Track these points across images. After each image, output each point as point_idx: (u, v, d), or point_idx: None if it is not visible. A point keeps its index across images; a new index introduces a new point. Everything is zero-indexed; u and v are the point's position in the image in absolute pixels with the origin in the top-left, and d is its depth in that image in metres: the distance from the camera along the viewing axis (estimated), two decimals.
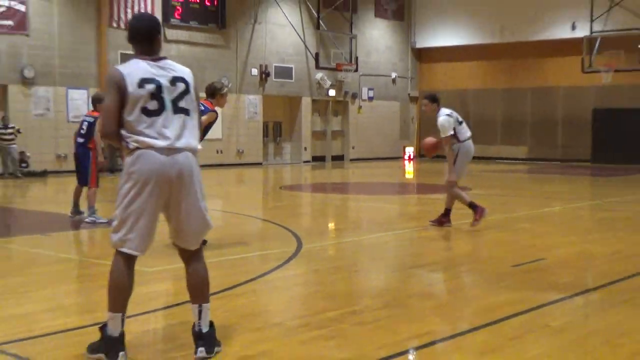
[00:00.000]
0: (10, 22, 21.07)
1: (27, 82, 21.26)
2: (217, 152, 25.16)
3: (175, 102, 4.62)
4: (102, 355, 4.56)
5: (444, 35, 32.50)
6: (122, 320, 4.60)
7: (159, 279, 7.21)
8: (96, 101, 11.64)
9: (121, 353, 4.53)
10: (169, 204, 4.63)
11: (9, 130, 19.84)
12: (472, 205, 10.48)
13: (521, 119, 31.27)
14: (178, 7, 24.58)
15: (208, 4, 25.55)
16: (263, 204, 15.95)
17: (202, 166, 4.99)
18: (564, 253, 8.94)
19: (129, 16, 23.30)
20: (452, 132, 10.29)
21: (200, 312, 4.73)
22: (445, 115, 10.32)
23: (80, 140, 11.57)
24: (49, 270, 8.10)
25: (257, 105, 27.44)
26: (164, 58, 4.73)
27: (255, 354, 4.80)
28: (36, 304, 6.32)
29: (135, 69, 4.58)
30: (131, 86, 4.50)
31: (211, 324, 4.78)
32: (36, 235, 10.44)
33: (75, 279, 7.63)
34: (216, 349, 4.75)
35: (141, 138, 4.51)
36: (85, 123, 11.52)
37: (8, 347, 4.94)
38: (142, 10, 23.57)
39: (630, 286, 7.01)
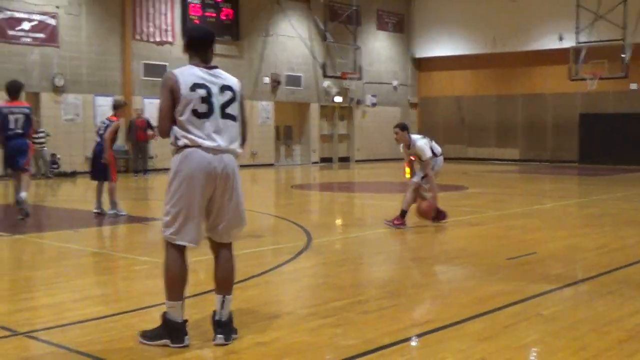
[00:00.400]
0: (42, 35, 21.10)
1: (57, 90, 21.29)
2: None
3: (223, 107, 4.67)
4: (167, 341, 4.57)
5: (440, 46, 32.45)
6: (182, 308, 4.64)
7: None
8: (115, 107, 11.75)
9: (186, 337, 4.58)
10: (212, 199, 4.67)
11: (41, 134, 19.86)
12: (403, 213, 10.24)
13: (513, 123, 31.19)
14: (196, 21, 24.55)
15: (224, 18, 25.56)
16: (275, 202, 15.94)
17: None
18: (554, 247, 8.89)
19: (151, 29, 23.34)
20: (431, 153, 10.27)
21: (223, 303, 4.75)
22: (420, 139, 10.36)
23: (98, 140, 11.73)
24: (78, 263, 8.10)
25: (269, 111, 27.46)
26: (216, 67, 4.77)
27: (269, 341, 4.78)
28: (66, 294, 6.31)
29: (189, 74, 4.63)
30: (184, 89, 4.56)
31: (230, 314, 4.78)
32: (66, 231, 10.44)
33: (102, 271, 7.61)
34: (233, 336, 4.74)
35: (190, 136, 4.56)
36: (105, 125, 11.66)
37: (40, 334, 4.94)
38: (164, 24, 23.61)
39: (616, 278, 6.96)
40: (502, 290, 6.31)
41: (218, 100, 4.65)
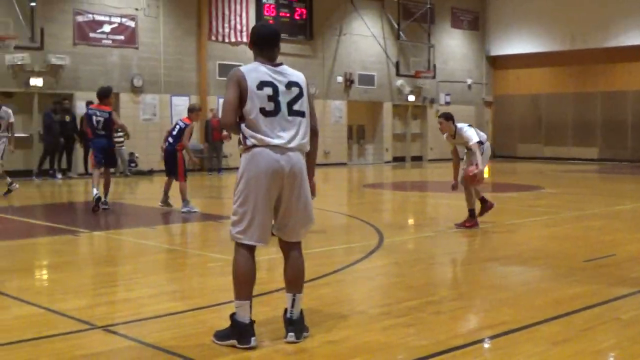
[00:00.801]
0: (121, 37, 21.68)
1: (136, 90, 21.83)
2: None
3: (290, 104, 4.66)
4: (234, 341, 4.57)
5: (516, 44, 31.86)
6: (250, 308, 4.63)
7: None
8: (190, 110, 12.21)
9: (252, 338, 4.55)
10: (280, 198, 4.67)
11: (120, 134, 20.36)
12: (472, 213, 10.15)
13: (591, 122, 30.36)
14: (270, 21, 24.79)
15: (297, 18, 25.74)
16: (347, 201, 15.94)
17: None
18: (634, 249, 8.62)
19: (226, 30, 23.67)
20: (477, 138, 9.98)
21: (293, 301, 4.75)
22: (466, 126, 10.11)
23: (170, 140, 12.12)
24: (154, 259, 8.28)
25: (342, 110, 27.48)
26: (281, 64, 4.76)
27: (339, 339, 4.78)
28: (143, 290, 6.46)
29: (256, 72, 4.63)
30: (251, 86, 4.56)
31: (301, 312, 4.79)
32: (143, 228, 10.69)
33: (178, 267, 7.76)
34: (304, 334, 4.76)
35: (258, 136, 4.56)
36: (178, 127, 12.12)
37: (118, 328, 5.06)
38: (239, 25, 23.92)
39: None
40: (578, 293, 6.15)
41: (285, 97, 4.65)
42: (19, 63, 19.64)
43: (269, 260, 7.32)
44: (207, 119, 21.97)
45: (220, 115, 4.75)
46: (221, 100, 24.54)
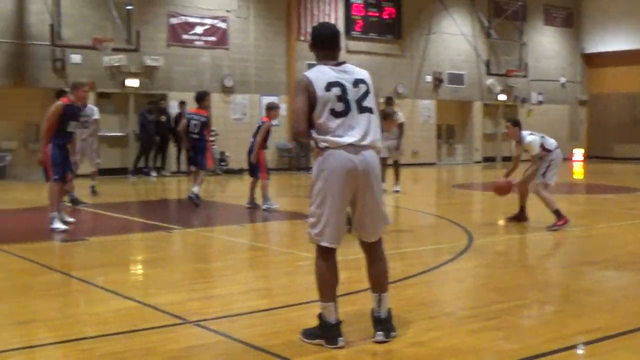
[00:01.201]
0: (213, 38, 22.12)
1: (227, 91, 22.23)
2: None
3: (359, 102, 4.64)
4: (321, 341, 4.60)
5: (613, 40, 30.77)
6: (335, 309, 4.62)
7: (340, 268, 7.27)
8: (268, 109, 12.40)
9: (340, 339, 4.56)
10: (355, 198, 4.65)
11: (211, 133, 20.79)
12: (557, 212, 9.93)
13: None
14: (359, 21, 24.83)
15: (386, 17, 25.66)
16: (436, 201, 15.78)
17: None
18: None
19: None
20: (539, 149, 9.96)
21: (380, 301, 4.74)
22: (529, 136, 10.07)
23: (252, 139, 12.31)
24: (244, 257, 8.41)
25: (431, 110, 27.24)
26: (344, 62, 4.74)
27: (427, 340, 4.74)
28: (233, 287, 6.58)
29: (322, 74, 4.62)
30: (319, 90, 4.54)
31: (389, 311, 4.77)
32: (233, 226, 10.88)
33: (267, 265, 7.85)
34: (392, 334, 4.74)
35: (330, 138, 4.54)
36: (257, 126, 12.29)
37: (208, 323, 5.16)
38: None
39: None
40: None
41: (353, 95, 4.62)
42: (116, 64, 20.33)
43: (356, 260, 7.32)
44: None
45: (292, 124, 4.71)
46: None
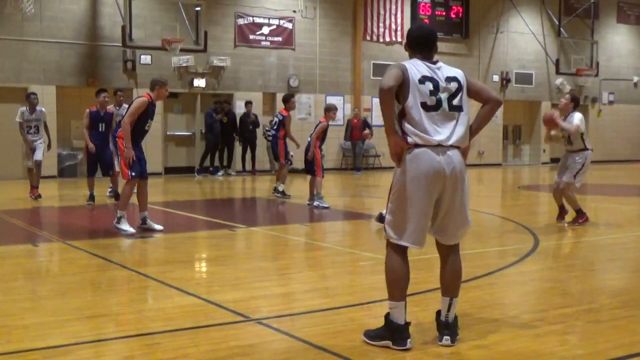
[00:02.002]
0: (279, 39, 22.29)
1: (292, 90, 22.35)
2: None
3: (450, 100, 4.59)
4: (388, 342, 4.53)
5: None
6: (404, 309, 4.57)
7: None
8: (326, 110, 12.78)
9: (408, 340, 4.50)
10: (439, 200, 4.59)
11: (268, 134, 20.89)
12: (579, 211, 10.17)
13: None
14: (426, 20, 24.65)
15: (453, 16, 25.42)
16: (502, 202, 15.55)
17: None
18: None
19: (381, 30, 23.76)
20: (583, 131, 9.98)
21: (450, 305, 4.67)
22: (582, 116, 10.07)
23: (309, 139, 12.73)
24: (306, 256, 8.44)
25: (498, 110, 26.80)
26: (438, 61, 4.70)
27: (490, 344, 4.67)
28: (295, 285, 6.61)
29: (417, 66, 4.57)
30: (413, 79, 4.49)
31: (456, 316, 4.72)
32: (296, 225, 10.93)
33: (329, 264, 7.85)
34: (457, 337, 4.69)
35: (420, 133, 4.47)
36: (315, 126, 12.49)
37: (270, 321, 5.19)
38: (394, 24, 23.94)
39: None
40: None
41: (445, 92, 4.57)
42: (184, 65, 20.68)
43: (422, 260, 7.27)
44: (349, 118, 22.14)
45: (385, 122, 4.54)
46: (375, 100, 24.79)
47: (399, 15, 24.15)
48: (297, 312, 5.50)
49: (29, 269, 7.60)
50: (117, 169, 11.89)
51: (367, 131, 21.34)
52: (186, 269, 7.57)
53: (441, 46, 26.78)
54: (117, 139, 9.58)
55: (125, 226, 9.35)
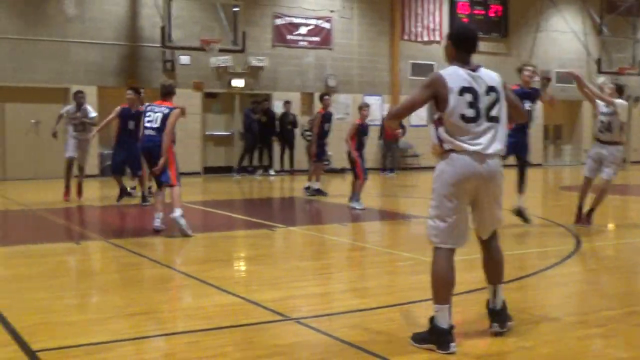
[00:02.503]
0: (317, 39, 22.32)
1: (330, 90, 22.31)
2: None
3: (488, 110, 4.60)
4: (432, 346, 4.49)
5: None
6: (449, 312, 4.54)
7: None
8: (358, 108, 12.86)
9: (452, 344, 4.45)
10: (475, 202, 4.67)
11: (307, 133, 20.93)
12: (592, 211, 10.07)
13: None
14: (464, 19, 24.47)
15: (492, 15, 25.20)
16: (543, 203, 15.35)
17: None
18: None
19: (419, 29, 23.66)
20: (625, 120, 9.83)
21: (495, 292, 4.82)
22: (626, 104, 9.92)
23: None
24: (345, 255, 8.44)
25: (538, 109, 26.51)
26: (479, 67, 4.69)
27: (532, 346, 4.62)
28: (334, 285, 6.61)
29: (457, 78, 4.56)
30: (452, 93, 4.50)
31: (503, 302, 4.82)
32: (335, 225, 10.93)
33: (368, 264, 7.83)
34: (508, 324, 4.80)
35: (456, 142, 4.52)
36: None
37: (309, 321, 5.20)
38: (432, 24, 23.82)
39: None
40: None
41: (484, 103, 4.56)
42: (223, 65, 20.83)
43: (462, 262, 7.21)
44: (382, 117, 22.05)
45: (396, 107, 4.71)
46: None
47: (437, 14, 24.02)
48: (336, 312, 5.50)
49: (72, 266, 7.73)
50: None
51: (399, 130, 21.30)
52: (225, 267, 7.63)
53: (480, 45, 26.50)
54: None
55: (183, 221, 9.27)
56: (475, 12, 24.82)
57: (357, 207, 12.08)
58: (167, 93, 9.58)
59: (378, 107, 22.48)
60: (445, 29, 24.10)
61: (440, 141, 4.58)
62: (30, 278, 6.74)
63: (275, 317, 5.31)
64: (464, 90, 4.52)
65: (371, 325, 5.09)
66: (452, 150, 4.54)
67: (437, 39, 23.89)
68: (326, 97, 14.85)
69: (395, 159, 22.50)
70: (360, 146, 12.43)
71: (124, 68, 19.79)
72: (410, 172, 22.75)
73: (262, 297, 5.85)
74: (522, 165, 10.43)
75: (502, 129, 4.66)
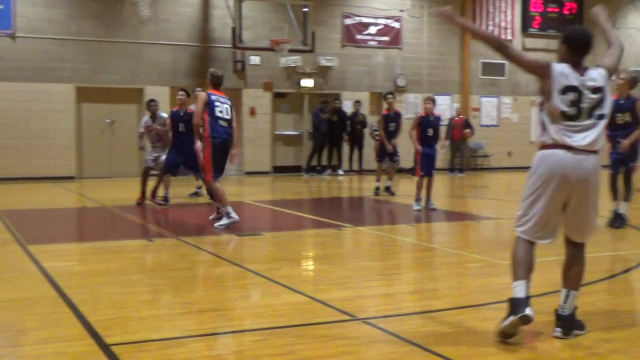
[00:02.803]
0: (386, 38, 22.25)
1: (399, 90, 22.26)
2: None
3: (591, 110, 4.65)
4: (511, 317, 4.58)
5: None
6: (526, 287, 4.66)
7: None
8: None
9: (527, 308, 4.55)
10: (568, 201, 4.69)
11: (376, 133, 20.84)
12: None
13: None
14: (537, 17, 24.04)
15: (566, 12, 24.65)
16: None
17: None
18: None
19: (490, 28, 23.33)
20: None
21: (567, 297, 4.80)
22: None
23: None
24: (413, 256, 8.40)
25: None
26: (587, 69, 4.74)
27: (605, 352, 4.51)
28: (402, 286, 6.59)
29: (564, 75, 4.66)
30: (556, 86, 4.63)
31: (573, 310, 4.79)
32: (403, 225, 10.89)
33: (436, 266, 7.77)
34: (575, 332, 4.75)
35: (554, 135, 4.63)
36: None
37: (377, 321, 5.20)
38: (503, 22, 23.46)
39: None
40: None
41: (588, 103, 4.63)
42: (292, 65, 20.97)
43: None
44: (451, 117, 21.80)
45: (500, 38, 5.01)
46: (483, 99, 24.35)
47: (509, 12, 23.64)
48: (403, 313, 5.49)
49: (145, 263, 7.91)
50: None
51: (467, 130, 21.04)
52: (294, 266, 7.69)
53: (553, 44, 26.00)
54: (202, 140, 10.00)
55: (225, 220, 9.77)
56: (549, 9, 24.33)
57: (415, 207, 11.88)
58: (221, 83, 9.82)
59: (448, 107, 22.26)
60: (517, 27, 23.72)
61: (542, 129, 4.70)
62: (105, 274, 6.93)
63: (343, 316, 5.32)
64: (568, 89, 4.61)
65: (439, 327, 5.06)
66: (547, 146, 4.66)
67: (509, 37, 23.52)
68: (389, 96, 14.70)
69: (464, 159, 22.24)
70: (424, 140, 11.98)
71: (195, 69, 20.13)
72: (481, 172, 22.46)
73: (330, 297, 5.88)
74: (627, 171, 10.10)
75: (603, 125, 4.70)
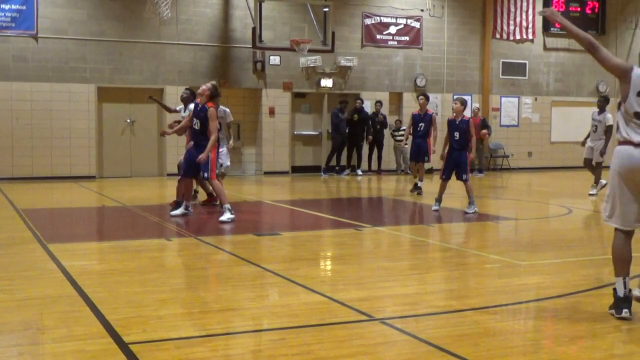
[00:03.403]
0: (406, 38, 22.20)
1: (419, 90, 22.18)
2: None
3: None
4: (612, 311, 5.18)
5: None
6: (625, 283, 5.15)
7: (531, 272, 7.07)
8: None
9: (625, 310, 5.08)
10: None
11: (401, 132, 20.85)
12: None
13: None
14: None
15: (589, 12, 24.47)
16: None
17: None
18: None
19: (511, 28, 23.22)
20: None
21: (624, 283, 5.19)
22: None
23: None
24: (432, 256, 8.38)
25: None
26: None
27: (624, 354, 4.48)
28: (419, 286, 6.57)
29: None
30: (632, 90, 5.13)
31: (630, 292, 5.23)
32: (421, 225, 10.86)
33: (454, 266, 7.74)
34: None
35: (625, 134, 5.19)
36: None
37: (394, 321, 5.20)
38: (525, 22, 23.33)
39: None
40: None
41: None
42: (312, 65, 20.98)
43: (550, 264, 7.06)
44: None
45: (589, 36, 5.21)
46: (503, 99, 24.17)
47: (530, 12, 23.50)
48: (421, 314, 5.48)
49: (163, 262, 7.95)
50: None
51: (484, 131, 20.92)
52: (312, 266, 7.70)
53: (575, 43, 25.66)
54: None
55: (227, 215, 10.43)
56: (571, 9, 24.16)
57: (433, 207, 11.87)
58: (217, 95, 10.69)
59: (467, 107, 22.16)
60: (539, 27, 23.58)
61: (619, 128, 5.21)
62: (124, 272, 6.97)
63: (360, 317, 5.32)
64: None
65: (458, 327, 5.04)
66: (621, 142, 5.18)
67: (530, 37, 23.40)
68: (419, 97, 15.05)
69: (483, 159, 22.13)
70: (451, 141, 11.75)
71: (215, 69, 20.21)
72: (500, 172, 22.34)
73: (347, 297, 5.88)
74: None
75: None
